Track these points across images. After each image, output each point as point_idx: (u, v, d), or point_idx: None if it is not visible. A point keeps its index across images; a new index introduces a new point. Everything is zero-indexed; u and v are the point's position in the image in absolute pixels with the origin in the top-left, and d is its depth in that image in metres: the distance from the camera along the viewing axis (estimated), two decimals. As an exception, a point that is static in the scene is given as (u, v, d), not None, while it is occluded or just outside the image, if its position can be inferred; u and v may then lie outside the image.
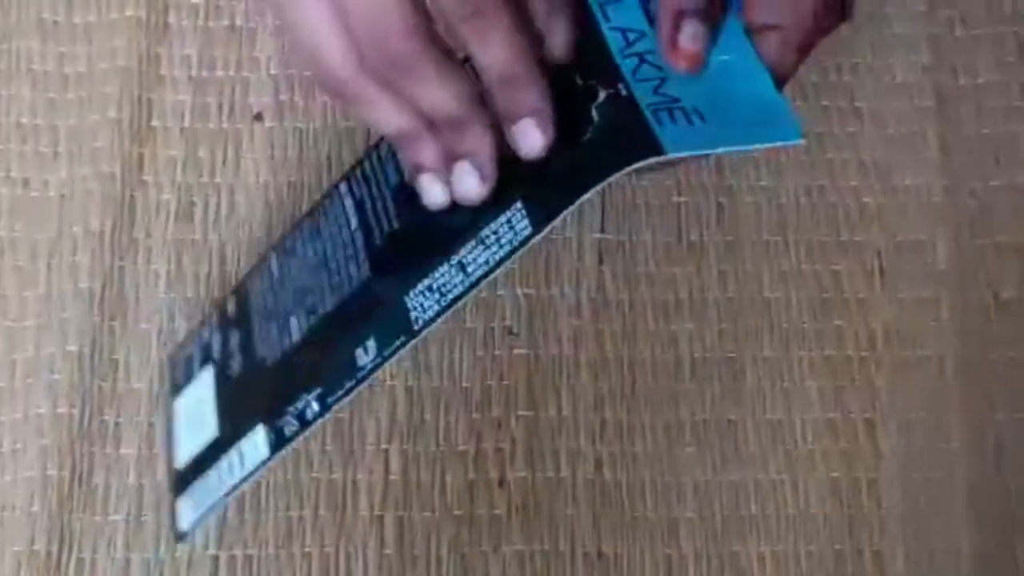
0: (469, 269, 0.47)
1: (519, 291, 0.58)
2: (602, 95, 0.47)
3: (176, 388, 0.56)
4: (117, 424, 0.56)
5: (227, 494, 0.50)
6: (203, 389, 0.54)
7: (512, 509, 0.55)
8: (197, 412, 0.54)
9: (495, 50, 0.45)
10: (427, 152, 0.47)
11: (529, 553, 0.55)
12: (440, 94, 0.45)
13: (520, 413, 0.57)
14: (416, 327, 0.48)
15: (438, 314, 0.47)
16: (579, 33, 0.48)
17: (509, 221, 0.47)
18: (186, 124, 0.60)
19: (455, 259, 0.47)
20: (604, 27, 0.49)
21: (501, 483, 0.56)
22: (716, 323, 0.58)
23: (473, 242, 0.47)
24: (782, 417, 0.57)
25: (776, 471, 0.56)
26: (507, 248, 0.46)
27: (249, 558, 0.54)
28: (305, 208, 0.57)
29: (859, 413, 0.57)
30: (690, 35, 0.46)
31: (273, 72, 0.60)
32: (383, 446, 0.56)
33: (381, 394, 0.56)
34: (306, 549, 0.55)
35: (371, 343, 0.49)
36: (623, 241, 0.59)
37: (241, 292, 0.55)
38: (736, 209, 0.60)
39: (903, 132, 0.61)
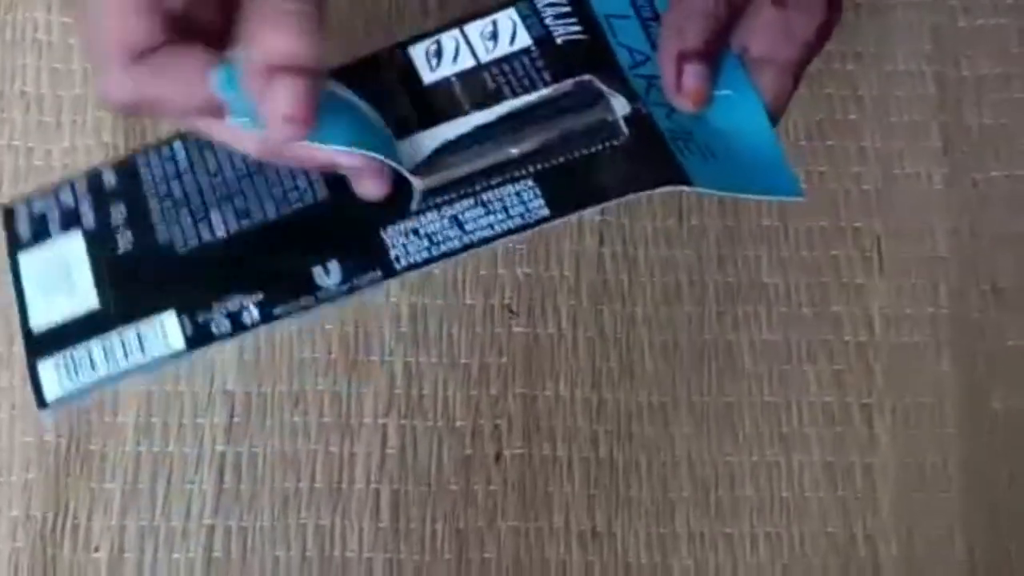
0: (468, 227, 0.48)
1: (519, 270, 0.58)
2: (628, 108, 0.48)
3: (19, 244, 0.53)
4: (114, 394, 0.56)
5: (119, 376, 0.49)
6: (67, 254, 0.52)
7: (508, 485, 0.56)
8: (57, 275, 0.51)
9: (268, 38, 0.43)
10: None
11: (524, 529, 0.55)
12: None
13: (518, 391, 0.57)
14: (397, 266, 0.48)
15: (427, 261, 0.48)
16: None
17: (519, 195, 0.47)
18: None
19: (448, 212, 0.48)
20: (611, 40, 0.50)
21: (498, 459, 0.56)
22: (715, 306, 0.59)
23: (471, 200, 0.48)
24: (779, 400, 0.57)
25: (771, 453, 0.57)
26: (517, 221, 0.47)
27: (244, 529, 0.54)
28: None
29: (855, 398, 0.57)
30: (692, 75, 0.47)
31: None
32: (380, 420, 0.56)
33: (380, 369, 0.56)
34: (301, 521, 0.55)
35: (333, 265, 0.49)
36: (624, 224, 0.59)
37: (127, 168, 0.53)
38: (736, 194, 0.60)
39: (904, 120, 0.61)
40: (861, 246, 0.59)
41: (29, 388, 0.54)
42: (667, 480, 0.56)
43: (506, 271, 0.58)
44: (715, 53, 0.47)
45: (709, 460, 0.56)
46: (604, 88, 0.48)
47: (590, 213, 0.59)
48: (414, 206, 0.48)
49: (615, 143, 0.48)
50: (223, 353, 0.56)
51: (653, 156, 0.47)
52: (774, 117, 0.49)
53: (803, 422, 0.57)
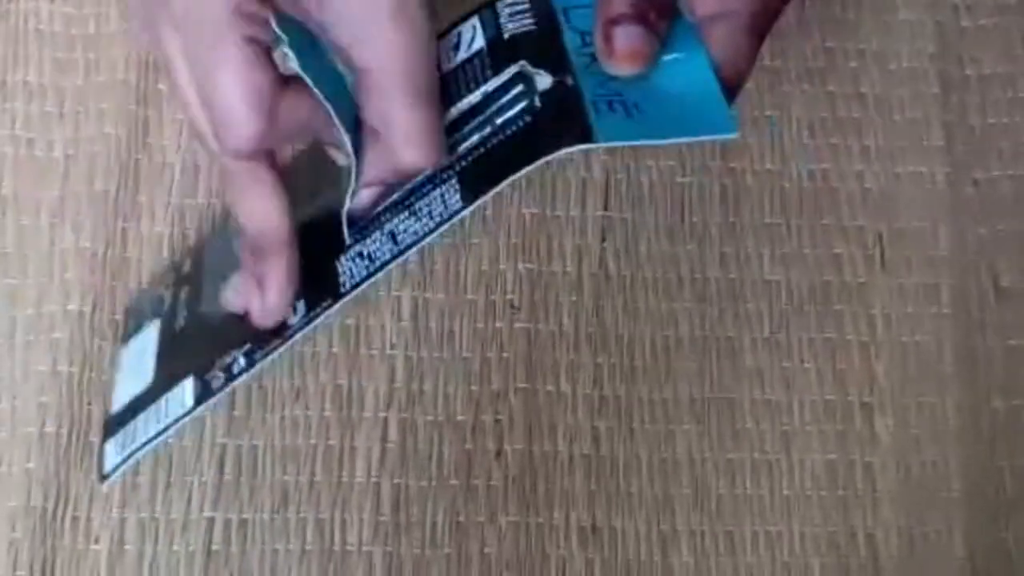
0: (399, 238, 0.49)
1: (521, 266, 0.58)
2: (548, 82, 0.48)
3: (125, 337, 0.56)
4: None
5: (149, 441, 0.51)
6: (148, 341, 0.54)
7: (508, 481, 0.56)
8: (138, 362, 0.54)
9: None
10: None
11: (524, 525, 0.55)
12: (256, 211, 0.47)
13: (519, 386, 0.57)
14: (343, 290, 0.49)
15: (364, 279, 0.49)
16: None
17: (442, 196, 0.48)
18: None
19: (387, 228, 0.49)
20: (564, 27, 0.50)
21: (498, 455, 0.56)
22: (716, 303, 0.58)
23: (406, 213, 0.49)
24: (780, 398, 0.57)
25: (772, 451, 0.57)
26: (436, 220, 0.48)
27: (244, 522, 0.54)
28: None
29: (857, 396, 0.57)
30: (621, 36, 0.47)
31: (281, 40, 0.60)
32: (381, 414, 0.56)
33: (381, 362, 0.56)
34: (301, 514, 0.55)
35: (300, 304, 0.50)
36: (626, 219, 0.59)
37: (198, 251, 0.56)
38: (739, 192, 0.60)
39: (907, 119, 0.61)
40: (863, 244, 0.59)
41: (32, 382, 0.55)
42: (668, 477, 0.56)
43: (508, 266, 0.58)
44: (646, 16, 0.47)
45: (710, 457, 0.56)
46: (531, 70, 0.48)
47: (592, 209, 0.59)
48: (347, 237, 0.50)
49: (526, 119, 0.48)
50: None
51: (559, 123, 0.47)
52: (731, 79, 0.48)
53: (804, 420, 0.57)
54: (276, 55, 0.44)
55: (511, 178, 0.47)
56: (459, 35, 0.51)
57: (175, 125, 0.59)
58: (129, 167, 0.59)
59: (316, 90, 0.45)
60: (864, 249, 0.59)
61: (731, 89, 0.48)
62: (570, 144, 0.46)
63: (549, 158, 0.46)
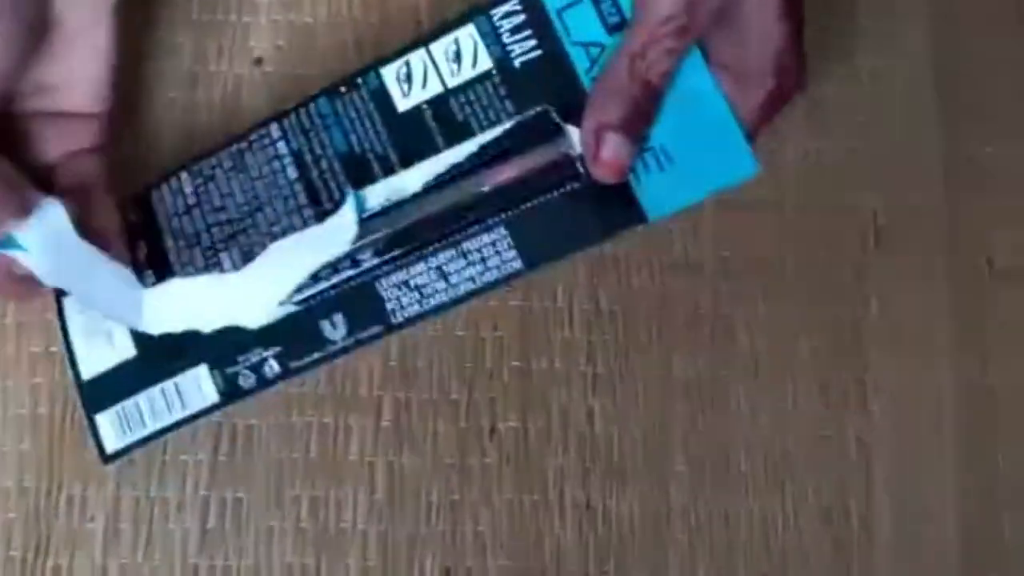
0: (452, 280, 0.49)
1: (515, 243, 0.58)
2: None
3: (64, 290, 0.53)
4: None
5: (166, 430, 0.51)
6: None
7: (503, 459, 0.56)
8: (95, 319, 0.52)
9: None
10: None
11: (519, 502, 0.55)
12: None
13: (513, 364, 0.57)
14: (394, 320, 0.50)
15: (419, 315, 0.50)
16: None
17: (494, 245, 0.49)
18: (185, 67, 0.59)
19: (433, 262, 0.49)
20: (566, 43, 0.50)
21: (492, 433, 0.56)
22: (710, 282, 0.58)
23: (453, 252, 0.49)
24: (775, 376, 0.57)
25: (767, 429, 0.57)
26: (495, 274, 0.49)
27: (239, 500, 0.54)
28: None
29: (851, 375, 0.58)
30: (611, 144, 0.48)
31: (275, 18, 0.60)
32: (376, 392, 0.56)
33: (375, 341, 0.56)
34: (296, 493, 0.55)
35: (339, 318, 0.50)
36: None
37: (145, 203, 0.54)
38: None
39: (902, 97, 0.61)
40: (858, 222, 0.59)
41: (25, 363, 0.55)
42: (661, 455, 0.56)
43: (502, 244, 0.58)
44: (636, 131, 0.48)
45: (704, 435, 0.56)
46: (560, 121, 0.49)
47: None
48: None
49: (575, 186, 0.49)
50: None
51: (611, 199, 0.49)
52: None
53: (798, 399, 0.57)
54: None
55: (568, 255, 0.50)
56: (457, 43, 0.51)
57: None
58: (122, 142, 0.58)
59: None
60: (859, 227, 0.59)
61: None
62: (626, 227, 0.49)
63: (605, 241, 0.50)
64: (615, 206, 0.49)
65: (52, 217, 0.48)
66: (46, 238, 0.48)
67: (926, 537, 0.56)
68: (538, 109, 0.50)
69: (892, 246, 0.59)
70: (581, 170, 0.49)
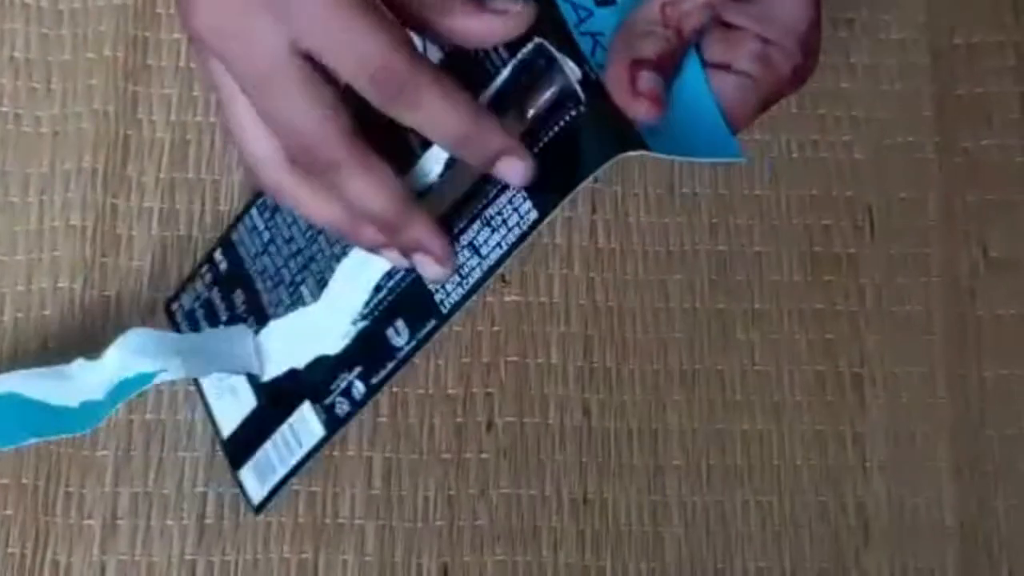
0: (483, 251, 0.48)
1: (511, 238, 0.58)
2: (579, 72, 0.46)
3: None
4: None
5: (292, 472, 0.52)
6: None
7: (500, 453, 0.56)
8: (221, 377, 0.54)
9: (437, 121, 0.44)
10: (369, 234, 0.47)
11: (516, 497, 0.55)
12: (368, 196, 0.45)
13: (510, 358, 0.57)
14: (444, 310, 0.49)
15: (464, 297, 0.48)
16: None
17: (511, 201, 0.47)
18: (181, 63, 0.59)
19: (464, 240, 0.48)
20: None
21: (489, 427, 0.56)
22: (706, 275, 0.59)
23: (479, 223, 0.48)
24: (770, 369, 0.58)
25: (763, 422, 0.57)
26: (516, 232, 0.47)
27: (236, 496, 0.54)
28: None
29: (846, 366, 0.58)
30: (647, 79, 0.45)
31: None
32: (373, 388, 0.56)
33: (371, 336, 0.57)
34: (294, 488, 0.55)
35: (400, 323, 0.50)
36: (616, 191, 0.59)
37: (230, 249, 0.55)
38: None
39: (896, 89, 0.61)
40: (852, 215, 0.59)
41: (21, 358, 0.55)
42: (658, 448, 0.56)
43: (498, 239, 0.58)
44: (666, 72, 0.46)
45: (700, 428, 0.57)
46: (555, 52, 0.47)
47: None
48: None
49: (575, 114, 0.46)
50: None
51: (613, 121, 0.46)
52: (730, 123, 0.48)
53: (794, 391, 0.57)
54: None
55: (581, 186, 0.46)
56: None
57: (164, 100, 0.59)
58: (118, 142, 0.58)
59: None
60: (853, 219, 0.59)
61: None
62: (629, 148, 0.45)
63: (612, 161, 0.45)
64: (613, 130, 0.46)
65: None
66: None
67: (922, 527, 0.56)
68: (532, 45, 0.47)
69: (887, 238, 0.59)
70: (582, 95, 0.46)
